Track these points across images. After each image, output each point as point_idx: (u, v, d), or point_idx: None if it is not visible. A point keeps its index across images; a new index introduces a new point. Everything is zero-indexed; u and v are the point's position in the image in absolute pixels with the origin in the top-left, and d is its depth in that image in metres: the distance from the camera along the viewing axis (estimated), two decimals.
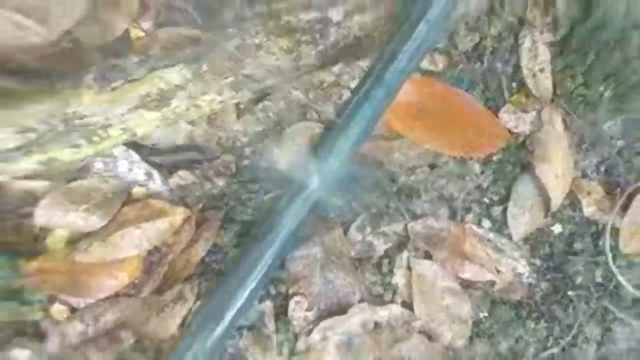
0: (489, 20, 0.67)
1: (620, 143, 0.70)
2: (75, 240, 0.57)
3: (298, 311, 0.59)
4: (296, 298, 0.59)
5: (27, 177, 0.56)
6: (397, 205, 0.64)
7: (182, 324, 0.56)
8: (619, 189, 0.69)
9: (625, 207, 0.68)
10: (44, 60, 0.56)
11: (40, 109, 0.51)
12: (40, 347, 0.54)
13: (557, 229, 0.68)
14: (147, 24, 0.61)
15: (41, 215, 0.56)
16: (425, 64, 0.65)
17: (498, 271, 0.64)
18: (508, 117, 0.66)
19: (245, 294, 0.54)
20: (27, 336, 0.54)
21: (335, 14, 0.59)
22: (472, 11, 0.65)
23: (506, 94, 0.67)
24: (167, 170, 0.61)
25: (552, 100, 0.68)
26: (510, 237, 0.66)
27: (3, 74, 0.53)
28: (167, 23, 0.61)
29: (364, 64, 0.63)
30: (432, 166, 0.65)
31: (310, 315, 0.59)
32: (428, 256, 0.63)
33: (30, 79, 0.54)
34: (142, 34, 0.60)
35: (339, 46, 0.61)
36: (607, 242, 0.67)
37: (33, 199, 0.56)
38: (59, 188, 0.57)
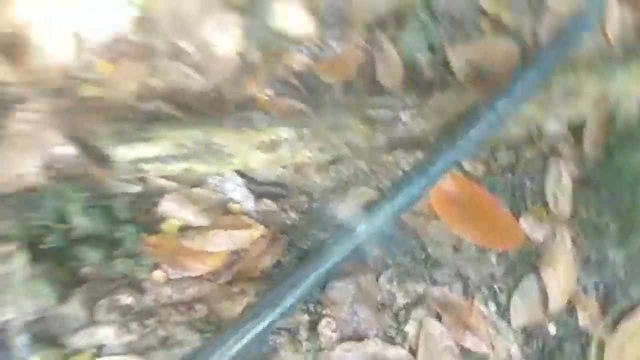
0: (526, 145, 0.74)
1: (621, 272, 0.72)
2: (183, 229, 0.65)
3: (326, 329, 0.65)
4: (327, 319, 0.65)
5: (165, 177, 0.66)
6: (421, 270, 0.70)
7: (242, 312, 0.62)
8: (612, 310, 0.71)
9: (614, 327, 0.70)
10: (198, 101, 0.70)
11: (193, 133, 0.63)
12: (140, 299, 0.62)
13: (552, 328, 0.70)
14: (269, 91, 0.74)
15: (165, 206, 0.65)
16: (468, 167, 0.73)
17: (493, 347, 0.67)
18: (527, 224, 0.72)
19: (289, 302, 0.59)
20: (133, 288, 0.62)
21: (404, 116, 0.68)
22: (513, 136, 0.73)
23: (529, 205, 0.73)
24: (258, 197, 0.69)
25: (567, 221, 0.72)
26: (509, 323, 0.69)
27: (172, 106, 0.67)
28: (284, 94, 0.74)
29: (419, 155, 0.70)
30: (456, 247, 0.70)
31: (335, 335, 0.64)
32: (438, 317, 0.67)
33: (188, 112, 0.67)
34: (265, 97, 0.73)
35: (403, 138, 0.68)
36: (592, 354, 0.69)
37: (162, 193, 0.65)
38: (183, 190, 0.66)
